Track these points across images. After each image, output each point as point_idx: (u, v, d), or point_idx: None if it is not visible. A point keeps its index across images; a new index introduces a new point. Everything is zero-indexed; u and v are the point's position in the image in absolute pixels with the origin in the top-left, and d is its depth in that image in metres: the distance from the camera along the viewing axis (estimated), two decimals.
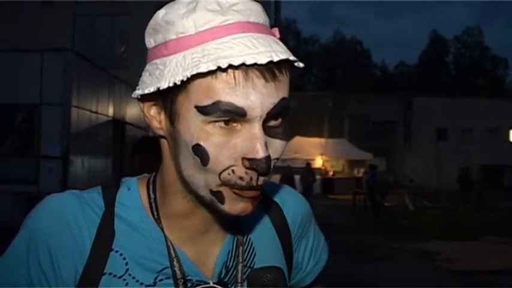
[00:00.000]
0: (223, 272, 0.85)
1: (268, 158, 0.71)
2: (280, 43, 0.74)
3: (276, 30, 0.78)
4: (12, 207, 9.79)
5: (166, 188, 0.83)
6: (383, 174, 24.46)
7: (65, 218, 0.80)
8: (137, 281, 0.80)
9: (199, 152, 0.72)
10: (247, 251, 0.89)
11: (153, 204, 0.84)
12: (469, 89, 49.36)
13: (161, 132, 0.79)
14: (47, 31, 16.84)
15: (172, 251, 0.82)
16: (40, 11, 18.77)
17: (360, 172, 29.03)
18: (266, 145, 0.71)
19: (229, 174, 0.72)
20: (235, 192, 0.74)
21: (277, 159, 0.76)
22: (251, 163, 0.71)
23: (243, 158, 0.71)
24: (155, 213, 0.84)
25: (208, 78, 0.70)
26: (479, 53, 61.44)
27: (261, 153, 0.70)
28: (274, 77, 0.71)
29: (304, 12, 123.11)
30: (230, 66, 0.68)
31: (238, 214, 0.76)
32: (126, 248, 0.81)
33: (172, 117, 0.75)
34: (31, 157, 10.71)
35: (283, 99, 0.73)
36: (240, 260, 0.87)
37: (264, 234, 0.92)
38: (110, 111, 13.16)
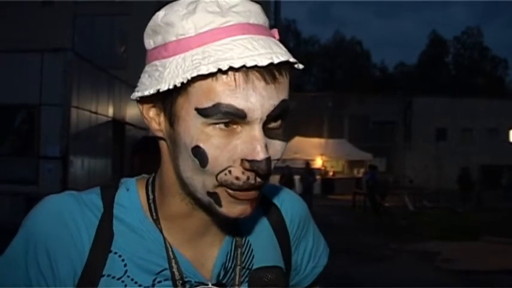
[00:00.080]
0: (222, 273, 0.85)
1: (268, 159, 0.71)
2: (280, 45, 0.74)
3: (275, 31, 0.78)
4: (11, 208, 9.78)
5: (165, 190, 0.83)
6: (383, 175, 24.49)
7: (63, 219, 0.80)
8: (136, 282, 0.80)
9: (198, 153, 0.72)
10: (245, 252, 0.88)
11: (152, 206, 0.84)
12: (468, 89, 49.35)
13: (160, 134, 0.79)
14: (47, 31, 16.85)
15: (170, 253, 0.82)
16: (40, 11, 18.78)
17: (359, 172, 29.03)
18: (266, 147, 0.71)
19: (225, 174, 0.72)
20: (230, 194, 0.73)
21: (278, 160, 0.76)
22: (251, 165, 0.71)
23: (243, 160, 0.71)
24: (154, 214, 0.84)
25: (209, 80, 0.70)
26: (479, 53, 61.45)
27: (261, 155, 0.70)
28: (274, 79, 0.71)
29: (304, 13, 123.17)
30: (231, 68, 0.68)
31: (237, 216, 0.76)
32: (124, 249, 0.81)
33: (171, 119, 0.75)
34: (31, 157, 10.70)
35: (283, 101, 0.73)
36: (238, 262, 0.87)
37: (262, 236, 0.92)
38: (110, 111, 13.15)
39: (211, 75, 0.69)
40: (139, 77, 0.79)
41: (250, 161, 0.71)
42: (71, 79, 10.74)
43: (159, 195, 0.84)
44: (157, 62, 0.75)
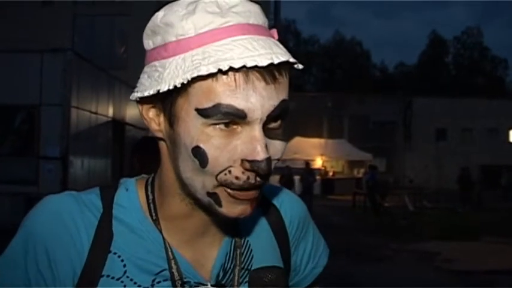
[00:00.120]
0: (221, 274, 0.85)
1: (268, 159, 0.71)
2: (280, 45, 0.74)
3: (274, 32, 0.78)
4: (11, 208, 9.78)
5: (165, 190, 0.82)
6: (383, 175, 24.49)
7: (62, 219, 0.80)
8: (135, 283, 0.79)
9: (198, 154, 0.71)
10: (244, 253, 0.88)
11: (152, 206, 0.84)
12: (468, 89, 49.37)
13: (160, 135, 0.79)
14: (47, 31, 16.86)
15: (170, 253, 0.82)
16: (40, 11, 18.80)
17: (359, 172, 29.04)
18: (266, 147, 0.71)
19: (225, 174, 0.72)
20: (230, 194, 0.73)
21: (278, 160, 0.76)
22: (252, 165, 0.71)
23: (243, 160, 0.71)
24: (153, 214, 0.84)
25: (209, 81, 0.70)
26: (479, 53, 61.46)
27: (261, 155, 0.70)
28: (274, 79, 0.71)
29: (303, 13, 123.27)
30: (231, 68, 0.68)
31: (237, 216, 0.76)
32: (124, 249, 0.81)
33: (171, 119, 0.75)
34: (31, 158, 10.70)
35: (283, 101, 0.73)
36: (237, 262, 0.87)
37: (261, 237, 0.92)
38: (110, 111, 13.15)
39: (211, 75, 0.69)
40: (139, 78, 0.79)
41: (251, 161, 0.71)
42: (70, 79, 10.74)
43: (159, 196, 0.84)
44: (156, 63, 0.75)
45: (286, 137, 0.78)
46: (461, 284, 7.81)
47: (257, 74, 0.69)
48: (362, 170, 27.71)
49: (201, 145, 0.71)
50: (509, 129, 37.68)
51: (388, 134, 37.75)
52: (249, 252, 0.89)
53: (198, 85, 0.70)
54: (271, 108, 0.71)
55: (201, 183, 0.74)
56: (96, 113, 12.18)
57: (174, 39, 0.73)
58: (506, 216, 15.58)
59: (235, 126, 0.71)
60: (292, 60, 0.72)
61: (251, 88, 0.69)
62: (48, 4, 19.07)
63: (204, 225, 0.84)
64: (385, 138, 36.98)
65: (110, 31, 19.75)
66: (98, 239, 0.80)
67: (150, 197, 0.85)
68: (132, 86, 0.79)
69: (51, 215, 0.80)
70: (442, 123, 37.28)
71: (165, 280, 0.81)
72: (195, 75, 0.68)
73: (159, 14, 0.76)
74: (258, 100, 0.70)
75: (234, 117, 0.70)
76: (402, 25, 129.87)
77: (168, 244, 0.82)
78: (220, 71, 0.68)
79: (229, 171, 0.72)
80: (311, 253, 1.02)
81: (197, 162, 0.72)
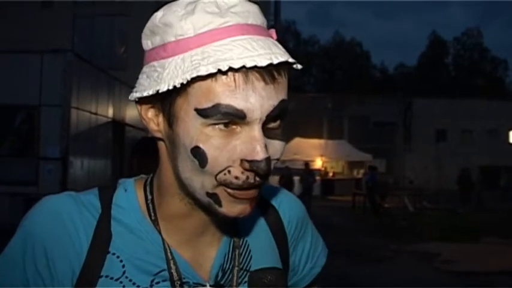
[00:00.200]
0: (220, 274, 0.85)
1: (268, 159, 0.71)
2: (279, 45, 0.74)
3: (273, 32, 0.78)
4: (11, 209, 9.78)
5: (164, 190, 0.82)
6: (383, 176, 24.47)
7: (61, 219, 0.80)
8: (134, 283, 0.79)
9: (198, 154, 0.71)
10: (243, 253, 0.88)
11: (150, 206, 0.84)
12: (468, 90, 49.38)
13: (159, 135, 0.79)
14: (47, 32, 16.84)
15: (169, 253, 0.82)
16: (40, 11, 18.80)
17: (359, 173, 29.02)
18: (266, 147, 0.71)
19: (225, 174, 0.72)
20: (230, 194, 0.73)
21: (277, 160, 0.76)
22: (251, 165, 0.71)
23: (243, 160, 0.71)
24: (152, 215, 0.84)
25: (208, 81, 0.70)
26: (479, 54, 61.50)
27: (261, 155, 0.70)
28: (273, 79, 0.71)
29: (303, 14, 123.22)
30: (230, 68, 0.68)
31: (237, 216, 0.76)
32: (123, 250, 0.81)
33: (170, 119, 0.75)
34: (30, 158, 10.70)
35: (282, 101, 0.73)
36: (236, 263, 0.87)
37: (260, 237, 0.92)
38: (110, 112, 13.16)
39: (210, 75, 0.69)
40: (137, 78, 0.79)
41: (250, 161, 0.71)
42: (70, 80, 10.74)
43: (157, 196, 0.84)
44: (155, 63, 0.75)
45: (286, 138, 0.78)
46: (461, 284, 7.81)
47: (256, 74, 0.70)
48: (362, 171, 27.69)
49: (201, 145, 0.71)
50: (509, 130, 37.69)
51: (388, 134, 37.76)
52: (247, 253, 0.89)
53: (198, 85, 0.70)
54: (271, 108, 0.71)
55: (200, 183, 0.74)
56: (96, 114, 12.19)
57: (173, 39, 0.73)
58: (506, 217, 15.58)
59: (234, 127, 0.71)
60: (291, 60, 0.73)
61: (250, 88, 0.69)
62: (48, 5, 19.07)
63: (203, 225, 0.84)
64: (385, 139, 36.99)
65: (110, 31, 19.74)
66: (96, 239, 0.80)
67: (149, 197, 0.85)
68: (132, 87, 0.79)
69: (50, 215, 0.80)
70: (442, 124, 37.30)
71: (164, 280, 0.81)
72: (194, 75, 0.68)
73: (158, 14, 0.76)
74: (257, 100, 0.70)
75: (234, 118, 0.70)
76: (402, 26, 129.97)
77: (167, 244, 0.82)
78: (219, 71, 0.68)
79: (229, 171, 0.72)
80: (309, 253, 1.02)
81: (196, 162, 0.72)
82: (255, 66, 0.68)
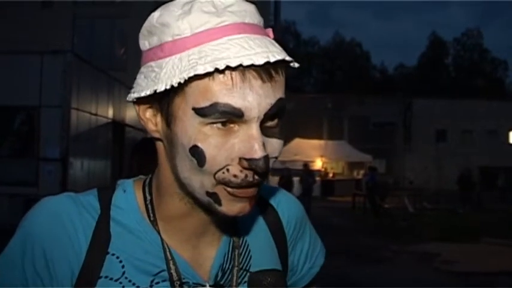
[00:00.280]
0: (220, 274, 0.85)
1: (266, 157, 0.71)
2: (276, 44, 0.74)
3: (270, 31, 0.78)
4: (11, 209, 9.78)
5: (163, 190, 0.82)
6: (383, 176, 24.48)
7: (60, 220, 0.80)
8: (133, 284, 0.79)
9: (196, 153, 0.72)
10: (242, 253, 0.88)
11: (149, 206, 0.84)
12: (468, 90, 49.40)
13: (157, 135, 0.79)
14: (47, 32, 16.86)
15: (168, 254, 0.82)
16: (40, 12, 18.81)
17: (359, 174, 29.00)
18: (264, 145, 0.72)
19: (223, 173, 0.72)
20: (229, 192, 0.74)
21: (276, 158, 0.77)
22: (250, 163, 0.71)
23: (241, 158, 0.72)
24: (151, 215, 0.84)
25: (206, 80, 0.70)
26: (479, 54, 61.52)
27: (259, 153, 0.70)
28: (270, 77, 0.71)
29: (303, 14, 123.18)
30: (227, 67, 0.68)
31: (236, 214, 0.76)
32: (122, 250, 0.81)
33: (168, 119, 0.75)
34: (30, 159, 10.70)
35: (279, 99, 0.73)
36: (236, 263, 0.87)
37: (259, 237, 0.92)
38: (110, 113, 13.16)
39: (208, 74, 0.69)
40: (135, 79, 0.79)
41: (248, 160, 0.71)
42: (70, 80, 10.74)
43: (156, 196, 0.84)
44: (152, 63, 0.75)
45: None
46: (461, 285, 7.81)
47: (254, 73, 0.70)
48: (362, 172, 27.67)
49: (199, 144, 0.71)
50: (509, 130, 37.69)
51: (388, 135, 37.76)
52: (247, 253, 0.89)
53: (195, 84, 0.71)
54: (268, 107, 0.71)
55: (199, 182, 0.74)
56: (96, 115, 12.19)
57: (170, 39, 0.74)
58: (505, 217, 15.58)
59: (232, 125, 0.71)
60: (288, 58, 0.73)
61: (248, 87, 0.70)
62: (48, 5, 19.08)
63: (203, 225, 0.84)
64: (385, 139, 36.99)
65: (109, 32, 19.76)
66: (95, 240, 0.80)
67: (148, 197, 0.85)
68: (132, 87, 0.79)
69: (49, 216, 0.80)
70: (442, 124, 37.30)
71: (163, 281, 0.81)
72: (192, 74, 0.69)
73: (155, 15, 0.76)
74: (254, 99, 0.70)
75: (231, 116, 0.70)
76: (402, 26, 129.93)
77: (166, 244, 0.82)
78: (217, 70, 0.69)
79: (227, 170, 0.72)
80: (308, 253, 1.02)
81: (195, 161, 0.72)
82: (252, 65, 0.69)
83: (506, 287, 7.65)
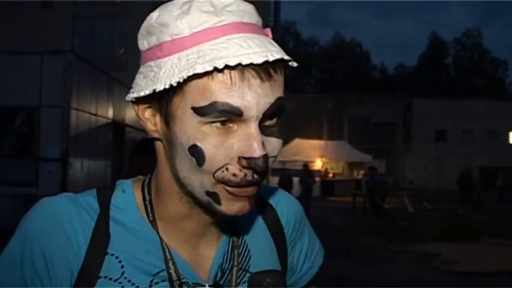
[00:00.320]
0: (219, 274, 0.85)
1: (265, 156, 0.71)
2: (274, 43, 0.75)
3: (268, 31, 0.79)
4: (11, 210, 9.78)
5: (162, 191, 0.82)
6: (383, 176, 24.47)
7: (59, 220, 0.80)
8: (133, 284, 0.79)
9: (195, 152, 0.72)
10: (242, 253, 0.89)
11: (148, 207, 0.84)
12: (468, 90, 49.39)
13: (156, 135, 0.79)
14: (47, 32, 16.86)
15: (167, 254, 0.82)
16: (40, 11, 18.81)
17: (359, 174, 28.99)
18: (263, 144, 0.72)
19: (223, 172, 0.72)
20: (229, 192, 0.74)
21: (275, 157, 0.77)
22: (249, 162, 0.71)
23: (240, 157, 0.72)
24: (150, 215, 0.84)
25: (205, 79, 0.70)
26: (479, 54, 61.51)
27: (258, 152, 0.71)
28: (269, 76, 0.71)
29: (303, 14, 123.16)
30: (226, 66, 0.69)
31: (236, 214, 0.76)
32: (121, 250, 0.81)
33: (167, 119, 0.75)
34: (30, 159, 10.70)
35: (278, 98, 0.73)
36: (235, 263, 0.87)
37: (258, 237, 0.92)
38: (110, 113, 13.16)
39: (207, 74, 0.70)
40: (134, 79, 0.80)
41: (248, 159, 0.71)
42: (70, 81, 10.74)
43: (156, 197, 0.84)
44: (151, 63, 0.76)
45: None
46: (461, 285, 7.81)
47: (252, 72, 0.70)
48: (362, 172, 27.66)
49: (198, 143, 0.71)
50: (509, 130, 37.69)
51: (388, 135, 37.76)
52: (246, 252, 0.89)
53: (194, 84, 0.71)
54: (267, 106, 0.72)
55: (199, 182, 0.74)
56: (96, 115, 12.19)
57: (169, 39, 0.74)
58: (506, 217, 15.58)
59: (231, 125, 0.72)
60: (286, 57, 0.73)
61: (247, 86, 0.70)
62: (47, 5, 19.09)
63: (202, 225, 0.84)
64: (385, 139, 36.99)
65: (109, 32, 19.76)
66: (95, 240, 0.80)
67: (147, 198, 0.85)
68: (131, 88, 0.80)
69: (48, 217, 0.80)
70: (442, 124, 37.30)
71: (163, 281, 0.81)
72: (191, 73, 0.69)
73: (154, 15, 0.77)
74: (253, 98, 0.70)
75: (230, 115, 0.70)
76: (402, 26, 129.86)
77: (166, 244, 0.82)
78: (215, 69, 0.69)
79: (227, 169, 0.72)
80: (307, 253, 1.02)
81: (194, 160, 0.72)
82: (251, 64, 0.69)
83: (506, 287, 7.66)
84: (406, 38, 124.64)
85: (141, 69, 0.78)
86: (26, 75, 10.66)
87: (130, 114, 14.02)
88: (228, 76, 0.69)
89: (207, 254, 0.86)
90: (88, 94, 11.76)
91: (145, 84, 0.75)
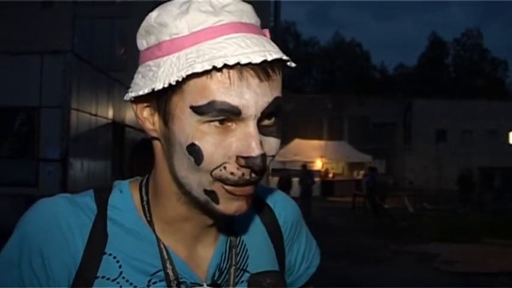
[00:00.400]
0: (217, 274, 0.85)
1: (263, 155, 0.72)
2: (272, 43, 0.75)
3: (266, 31, 0.79)
4: (11, 210, 9.77)
5: (160, 191, 0.83)
6: (383, 177, 24.46)
7: (57, 221, 0.80)
8: (131, 283, 0.79)
9: (194, 151, 0.72)
10: (240, 253, 0.89)
11: (146, 207, 0.84)
12: (468, 90, 49.38)
13: (154, 134, 0.79)
14: (47, 32, 16.87)
15: (165, 253, 0.82)
16: (40, 11, 18.82)
17: (359, 174, 28.97)
18: (261, 143, 0.72)
19: (220, 170, 0.73)
20: (228, 191, 0.74)
21: (273, 157, 0.77)
22: (247, 161, 0.71)
23: (238, 156, 0.72)
24: (148, 215, 0.84)
25: (203, 78, 0.71)
26: (479, 55, 61.50)
27: (256, 151, 0.71)
28: (267, 76, 0.72)
29: (303, 14, 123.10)
30: (225, 65, 0.69)
31: (233, 213, 0.77)
32: (119, 250, 0.81)
33: (166, 118, 0.75)
34: (30, 160, 10.70)
35: (276, 98, 0.74)
36: (233, 262, 0.87)
37: (256, 237, 0.93)
38: (110, 113, 13.17)
39: (205, 73, 0.70)
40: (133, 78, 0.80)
41: (246, 158, 0.71)
42: (70, 81, 10.74)
43: (153, 197, 0.84)
44: (150, 62, 0.76)
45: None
46: (461, 285, 7.82)
47: (251, 71, 0.70)
48: (362, 172, 27.65)
49: (196, 142, 0.72)
50: (509, 131, 37.68)
51: (388, 135, 37.75)
52: (244, 252, 0.89)
53: (193, 83, 0.71)
54: (265, 105, 0.72)
55: (197, 181, 0.74)
56: (96, 115, 12.19)
57: (168, 38, 0.74)
58: (504, 217, 15.58)
59: (229, 124, 0.72)
60: (285, 57, 0.73)
61: (245, 85, 0.70)
62: (47, 5, 19.09)
63: (200, 224, 0.84)
64: (385, 139, 36.98)
65: (109, 33, 19.77)
66: (92, 240, 0.80)
67: (145, 198, 0.85)
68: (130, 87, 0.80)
69: (45, 217, 0.80)
70: (442, 124, 37.29)
71: (160, 281, 0.81)
72: (189, 72, 0.69)
73: (153, 14, 0.77)
74: (252, 97, 0.71)
75: (229, 114, 0.71)
76: (402, 27, 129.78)
77: (163, 244, 0.82)
78: (214, 68, 0.69)
79: (224, 168, 0.72)
80: (305, 253, 1.03)
81: (192, 159, 0.72)
82: (250, 63, 0.69)
83: (506, 287, 7.66)
84: (406, 38, 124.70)
85: (140, 68, 0.78)
86: (26, 75, 10.67)
87: (130, 114, 14.02)
88: (227, 75, 0.70)
89: (205, 254, 0.86)
90: (88, 94, 11.76)
91: (144, 83, 0.76)
